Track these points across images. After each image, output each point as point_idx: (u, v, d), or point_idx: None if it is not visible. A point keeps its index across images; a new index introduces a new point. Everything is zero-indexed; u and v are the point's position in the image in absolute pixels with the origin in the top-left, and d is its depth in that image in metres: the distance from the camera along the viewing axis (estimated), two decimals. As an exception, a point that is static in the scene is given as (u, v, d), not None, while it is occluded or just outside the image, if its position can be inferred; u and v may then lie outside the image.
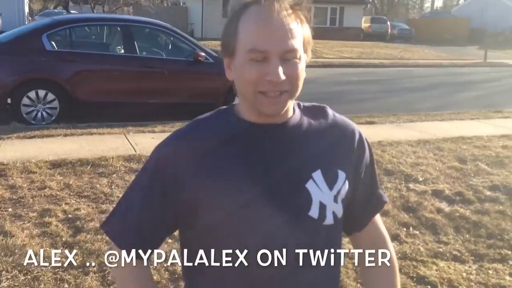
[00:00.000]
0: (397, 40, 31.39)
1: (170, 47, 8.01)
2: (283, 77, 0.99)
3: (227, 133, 1.09)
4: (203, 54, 7.49)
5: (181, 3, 35.14)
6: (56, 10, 29.91)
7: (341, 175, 1.12)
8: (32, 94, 6.70)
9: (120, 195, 3.82)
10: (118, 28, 7.71)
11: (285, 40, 1.00)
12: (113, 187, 4.11)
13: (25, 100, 6.68)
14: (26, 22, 29.52)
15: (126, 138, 5.90)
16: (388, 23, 34.81)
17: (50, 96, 6.79)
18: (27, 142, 5.48)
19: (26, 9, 31.27)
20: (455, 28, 35.93)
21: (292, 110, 1.12)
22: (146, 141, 5.74)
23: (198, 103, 7.49)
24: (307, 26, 1.07)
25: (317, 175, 1.09)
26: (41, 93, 6.74)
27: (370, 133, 5.98)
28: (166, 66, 7.51)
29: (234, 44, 1.03)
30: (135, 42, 7.43)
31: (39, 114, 6.78)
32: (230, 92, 7.41)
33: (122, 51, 7.51)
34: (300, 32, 1.04)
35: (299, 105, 1.16)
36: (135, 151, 5.23)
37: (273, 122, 1.08)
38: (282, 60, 1.00)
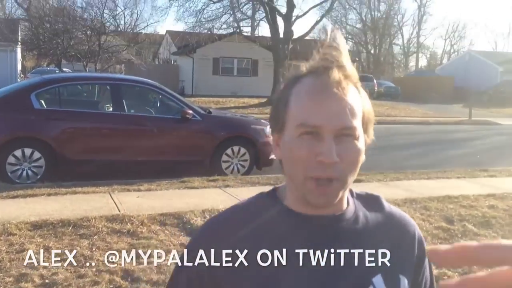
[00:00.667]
0: (383, 97, 32.06)
1: (158, 105, 8.10)
2: (336, 158, 0.85)
3: (270, 227, 0.94)
4: (190, 111, 7.58)
5: (172, 61, 35.88)
6: (48, 68, 30.33)
7: (403, 282, 0.95)
8: (18, 152, 6.66)
9: (100, 258, 3.78)
10: (107, 87, 7.82)
11: (342, 115, 0.87)
12: (93, 249, 4.01)
13: (11, 159, 6.63)
14: (19, 80, 29.86)
15: (111, 197, 5.82)
16: (375, 81, 35.66)
17: (37, 155, 6.76)
18: (9, 202, 5.38)
19: (19, 67, 31.71)
20: (440, 86, 36.86)
21: (346, 200, 0.97)
22: (130, 200, 5.67)
23: (186, 161, 7.52)
24: (367, 100, 0.94)
25: (378, 281, 0.93)
26: (28, 151, 6.71)
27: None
28: (154, 124, 7.57)
29: (284, 119, 0.91)
30: (124, 100, 7.51)
31: (24, 173, 6.72)
32: (217, 151, 7.46)
33: (111, 109, 7.57)
34: (359, 106, 0.90)
35: (351, 193, 1.01)
36: (119, 211, 5.15)
37: (325, 214, 0.93)
38: (337, 139, 0.86)
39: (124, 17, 23.90)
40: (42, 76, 7.90)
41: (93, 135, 7.29)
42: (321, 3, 27.06)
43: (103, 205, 5.44)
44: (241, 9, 26.42)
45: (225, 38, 28.19)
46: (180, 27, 69.81)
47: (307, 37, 24.56)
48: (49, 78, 7.73)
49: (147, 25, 24.85)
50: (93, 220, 4.68)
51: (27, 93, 6.98)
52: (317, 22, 26.63)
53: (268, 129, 7.97)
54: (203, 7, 25.02)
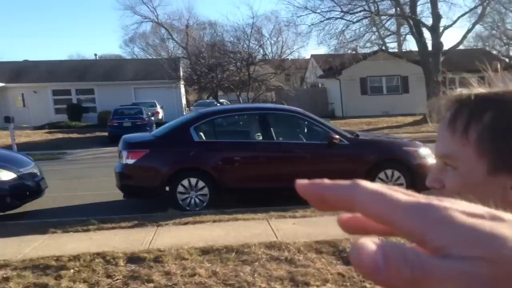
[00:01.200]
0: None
1: (305, 131, 8.36)
2: None
3: None
4: (337, 136, 7.68)
5: (319, 84, 36.39)
6: (208, 100, 33.10)
7: None
8: (185, 182, 7.43)
9: (262, 285, 4.03)
10: (256, 117, 8.31)
11: None
12: (255, 275, 4.30)
13: (180, 188, 7.42)
14: (184, 113, 33.02)
15: (269, 223, 6.16)
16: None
17: (201, 184, 7.46)
18: (181, 229, 6.04)
19: (183, 101, 35.11)
20: None
21: None
22: (287, 226, 5.94)
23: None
24: None
25: None
26: (193, 181, 7.44)
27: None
28: (301, 150, 7.84)
29: None
30: (272, 129, 7.94)
31: (192, 201, 7.45)
32: (369, 175, 7.39)
33: (261, 137, 8.02)
34: None
35: None
36: (276, 238, 5.43)
37: None
38: None
39: (271, 46, 25.11)
40: (198, 111, 8.72)
41: (247, 164, 7.78)
42: (470, 10, 25.22)
43: (262, 231, 5.78)
44: (384, 26, 25.87)
45: (370, 57, 27.82)
46: (323, 50, 70.77)
47: (460, 47, 23.06)
48: (204, 112, 8.48)
49: (292, 51, 25.74)
50: (253, 246, 5.03)
51: (187, 127, 7.78)
52: (469, 31, 24.86)
53: (423, 151, 7.69)
54: (343, 28, 25.06)
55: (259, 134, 8.05)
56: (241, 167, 7.69)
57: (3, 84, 31.23)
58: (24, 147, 17.05)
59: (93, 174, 12.49)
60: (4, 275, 4.50)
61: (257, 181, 7.68)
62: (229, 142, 7.99)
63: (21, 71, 33.46)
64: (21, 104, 31.86)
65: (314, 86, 38.13)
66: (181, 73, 31.59)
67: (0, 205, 7.38)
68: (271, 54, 25.15)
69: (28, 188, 7.72)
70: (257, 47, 24.22)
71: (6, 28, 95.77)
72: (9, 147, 14.60)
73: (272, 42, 24.89)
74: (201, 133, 7.78)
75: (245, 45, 23.17)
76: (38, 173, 8.21)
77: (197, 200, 7.47)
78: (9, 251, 5.30)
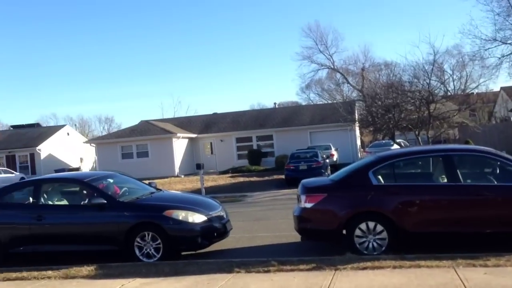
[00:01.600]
0: None
1: (496, 172, 7.56)
2: None
3: None
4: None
5: (511, 118, 32.81)
6: (384, 141, 32.28)
7: None
8: (363, 225, 7.24)
9: None
10: (440, 158, 7.77)
11: None
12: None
13: (358, 232, 7.25)
14: (359, 154, 32.72)
15: (456, 272, 5.61)
16: None
17: (379, 227, 7.19)
18: (360, 274, 5.85)
19: (358, 143, 34.87)
20: None
21: None
22: (477, 277, 5.34)
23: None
24: None
25: None
26: (371, 224, 7.22)
27: None
28: (494, 193, 7.16)
29: None
30: (458, 170, 7.33)
31: (370, 245, 7.21)
32: None
33: (445, 180, 7.46)
34: None
35: None
36: (466, 289, 4.90)
37: None
38: None
39: (453, 82, 23.56)
40: (377, 155, 8.48)
41: (431, 207, 7.28)
42: None
43: (448, 281, 5.29)
44: None
45: None
46: (516, 80, 64.06)
47: None
48: (383, 155, 8.22)
49: (478, 85, 23.69)
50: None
51: (365, 171, 7.63)
52: None
53: None
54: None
55: (444, 176, 7.51)
56: (424, 211, 7.24)
57: (195, 135, 34.99)
58: (210, 191, 18.63)
59: (272, 216, 12.99)
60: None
61: (441, 226, 7.16)
62: (410, 186, 7.59)
63: (210, 123, 37.19)
64: (209, 152, 35.21)
65: (505, 121, 34.53)
66: (356, 115, 31.53)
67: (192, 245, 8.12)
68: (453, 90, 23.58)
69: (216, 229, 8.36)
70: (438, 83, 22.97)
71: (200, 86, 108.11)
72: (198, 191, 16.14)
73: (455, 77, 23.37)
74: (380, 177, 7.56)
75: (425, 83, 22.14)
76: (225, 216, 8.86)
77: (375, 244, 7.21)
78: (199, 288, 5.74)
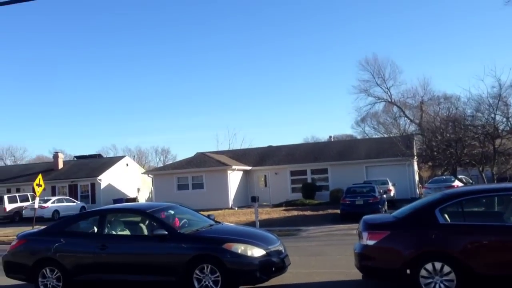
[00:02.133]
0: None
1: None
2: None
3: None
4: None
5: None
6: (444, 177, 31.16)
7: None
8: (429, 266, 6.94)
9: None
10: (511, 197, 7.39)
11: None
12: None
13: (423, 272, 6.95)
14: (417, 190, 31.69)
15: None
16: None
17: (446, 268, 6.87)
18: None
19: (416, 178, 33.82)
20: None
21: None
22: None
23: None
24: None
25: None
26: (437, 265, 6.91)
27: None
28: None
29: None
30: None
31: (437, 286, 6.88)
32: None
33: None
34: None
35: None
36: None
37: None
38: None
39: (518, 116, 22.59)
40: (444, 192, 8.17)
41: (502, 249, 6.89)
42: None
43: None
44: None
45: None
46: None
47: None
48: (451, 193, 7.90)
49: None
50: None
51: (431, 209, 7.35)
52: None
53: None
54: None
55: None
56: (494, 253, 6.86)
57: (250, 167, 35.21)
58: (264, 224, 18.53)
59: (329, 252, 12.72)
60: None
61: (515, 269, 6.72)
62: (480, 225, 7.21)
63: (265, 156, 37.39)
64: (263, 184, 35.25)
65: None
66: (415, 150, 30.74)
67: (250, 279, 8.06)
68: (518, 125, 22.62)
69: (274, 264, 8.27)
70: (503, 118, 22.10)
71: (255, 118, 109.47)
72: (252, 224, 16.10)
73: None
74: (447, 215, 7.25)
75: (490, 117, 21.37)
76: (283, 250, 8.77)
77: (442, 286, 6.87)
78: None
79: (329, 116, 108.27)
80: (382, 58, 78.42)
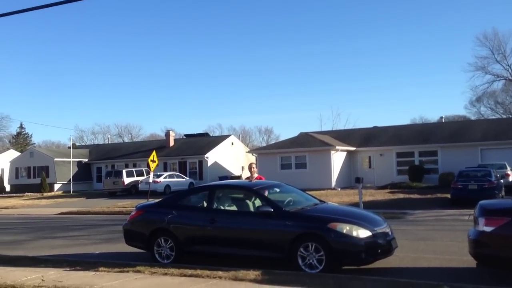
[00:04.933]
0: None
1: None
2: None
3: None
4: None
5: None
6: None
7: None
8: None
9: None
10: None
11: None
12: None
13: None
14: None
15: None
16: None
17: None
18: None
19: (539, 162, 30.94)
20: None
21: None
22: None
23: None
24: None
25: None
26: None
27: None
28: None
29: None
30: None
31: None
32: None
33: None
34: None
35: None
36: None
37: None
38: None
39: None
40: None
41: None
42: None
43: None
44: None
45: None
46: None
47: None
48: None
49: None
50: None
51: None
52: None
53: None
54: None
55: None
56: None
57: (354, 148, 34.60)
58: (368, 205, 18.16)
59: (438, 237, 12.17)
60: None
61: None
62: None
63: (370, 136, 36.47)
64: (367, 166, 34.48)
65: None
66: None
67: (355, 260, 7.99)
68: None
69: (380, 246, 8.10)
70: None
71: (360, 98, 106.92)
72: (355, 205, 15.84)
73: None
74: None
75: None
76: (390, 233, 8.55)
77: None
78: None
79: (439, 96, 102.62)
80: (504, 32, 72.35)
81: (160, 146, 45.14)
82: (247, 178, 11.90)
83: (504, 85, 52.35)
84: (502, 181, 22.29)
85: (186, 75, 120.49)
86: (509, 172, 25.58)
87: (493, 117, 49.79)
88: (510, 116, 42.02)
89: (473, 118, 55.05)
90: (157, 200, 10.80)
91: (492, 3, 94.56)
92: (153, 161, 25.03)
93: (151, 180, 27.03)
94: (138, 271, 8.20)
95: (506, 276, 7.26)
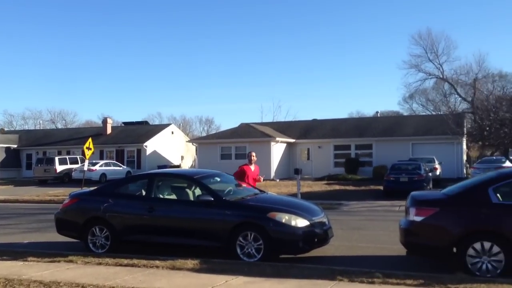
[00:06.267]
0: None
1: None
2: None
3: None
4: None
5: None
6: (494, 157, 30.10)
7: None
8: (477, 245, 6.76)
9: None
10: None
11: None
12: None
13: (471, 251, 6.79)
14: (464, 170, 30.80)
15: None
16: None
17: (496, 249, 6.68)
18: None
19: (464, 157, 32.84)
20: None
21: None
22: None
23: None
24: None
25: None
26: (486, 245, 6.72)
27: None
28: None
29: None
30: None
31: (484, 266, 6.72)
32: None
33: None
34: None
35: None
36: None
37: None
38: None
39: None
40: (498, 171, 7.87)
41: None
42: None
43: None
44: None
45: None
46: None
47: None
48: (506, 172, 7.59)
49: None
50: None
51: (484, 187, 7.10)
52: None
53: None
54: None
55: None
56: None
57: (294, 140, 35.13)
58: (306, 196, 18.49)
59: (371, 227, 12.63)
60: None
61: None
62: None
63: (309, 129, 37.17)
64: (306, 158, 35.14)
65: None
66: (465, 129, 29.74)
67: (293, 249, 8.12)
68: None
69: (317, 235, 8.28)
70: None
71: (300, 91, 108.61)
72: (294, 196, 16.12)
73: None
74: (501, 195, 6.99)
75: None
76: (327, 222, 8.76)
77: (489, 266, 6.69)
78: (303, 292, 5.70)
79: (376, 92, 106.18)
80: (437, 32, 75.59)
81: (96, 133, 43.66)
82: (243, 165, 11.06)
83: (435, 83, 54.87)
84: (430, 174, 23.42)
85: (125, 62, 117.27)
86: (437, 166, 26.94)
87: (424, 114, 52.15)
88: (440, 113, 44.11)
89: (405, 114, 57.46)
90: (92, 188, 10.45)
91: (428, 3, 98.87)
92: (88, 148, 24.19)
93: (85, 168, 26.11)
94: (70, 261, 7.92)
95: (433, 264, 7.63)
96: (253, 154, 11.36)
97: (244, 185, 10.05)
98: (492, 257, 6.70)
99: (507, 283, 5.91)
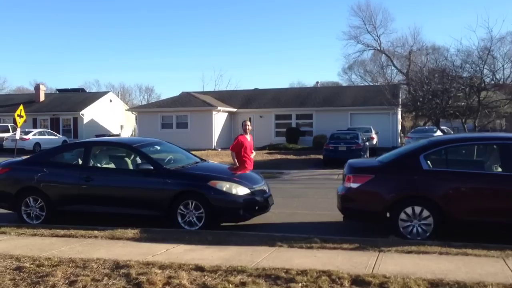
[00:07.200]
0: None
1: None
2: None
3: None
4: None
5: None
6: (426, 127, 31.53)
7: None
8: (408, 210, 7.12)
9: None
10: (494, 146, 7.53)
11: None
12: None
13: (403, 215, 7.14)
14: (399, 139, 32.10)
15: (505, 263, 5.48)
16: None
17: (425, 213, 7.06)
18: (405, 257, 5.78)
19: (399, 127, 34.17)
20: None
21: None
22: (530, 270, 5.17)
23: None
24: None
25: None
26: (417, 209, 7.09)
27: None
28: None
29: None
30: (514, 160, 7.05)
31: (415, 229, 7.10)
32: None
33: (499, 169, 7.22)
34: None
35: None
36: (518, 281, 4.77)
37: None
38: None
39: (503, 70, 22.54)
40: (429, 139, 8.25)
41: (482, 196, 7.09)
42: None
43: (498, 271, 5.17)
44: None
45: None
46: None
47: None
48: (437, 140, 7.99)
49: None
50: (490, 286, 4.52)
51: (416, 155, 7.45)
52: None
53: None
54: None
55: (498, 165, 7.26)
56: (474, 200, 7.07)
57: (235, 109, 35.06)
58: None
59: (311, 194, 12.97)
60: (241, 280, 4.92)
61: (492, 216, 6.98)
62: (463, 173, 7.34)
63: (251, 98, 37.16)
64: (248, 127, 35.21)
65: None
66: (400, 99, 30.84)
67: (234, 216, 8.21)
68: (503, 79, 22.59)
69: (258, 203, 8.41)
70: (489, 73, 22.04)
71: (242, 61, 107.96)
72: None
73: (506, 66, 22.36)
74: (431, 162, 7.36)
75: (478, 69, 21.29)
76: (267, 190, 8.89)
77: (419, 229, 7.10)
78: (244, 259, 5.80)
79: (316, 63, 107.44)
80: (375, 4, 77.24)
81: (28, 100, 41.54)
82: (239, 136, 10.63)
83: (372, 55, 56.39)
84: (367, 143, 24.22)
85: (58, 25, 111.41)
86: (373, 135, 27.89)
87: (362, 85, 53.55)
88: (377, 84, 45.48)
89: (345, 84, 58.74)
90: (25, 157, 9.99)
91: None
92: (20, 116, 22.97)
93: (17, 137, 24.85)
94: (3, 233, 7.60)
95: (368, 229, 7.97)
96: (248, 123, 10.74)
97: (245, 156, 10.06)
98: (422, 220, 7.10)
99: (435, 245, 6.26)
